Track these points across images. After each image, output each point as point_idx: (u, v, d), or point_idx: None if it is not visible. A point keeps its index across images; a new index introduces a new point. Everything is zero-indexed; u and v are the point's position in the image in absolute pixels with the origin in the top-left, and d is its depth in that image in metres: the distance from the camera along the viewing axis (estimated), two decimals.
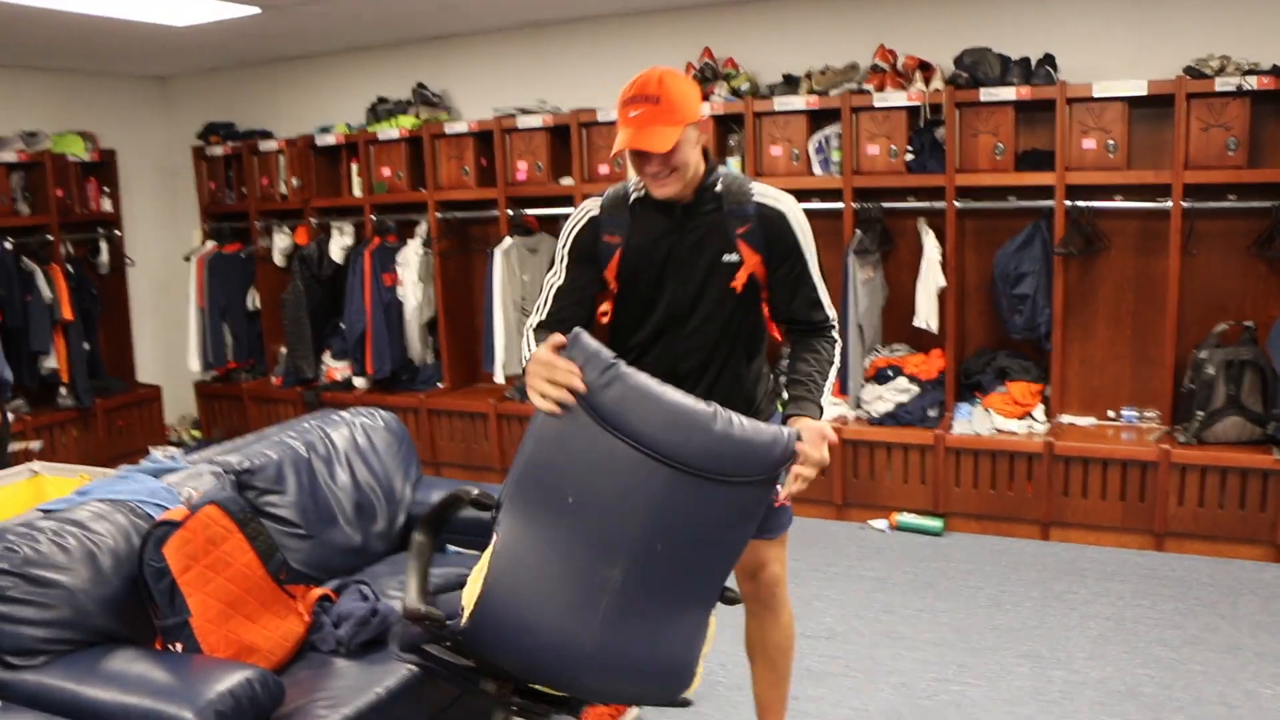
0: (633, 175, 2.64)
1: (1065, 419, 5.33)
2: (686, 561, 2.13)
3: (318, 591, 3.16)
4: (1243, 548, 4.76)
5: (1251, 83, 4.58)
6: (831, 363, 2.65)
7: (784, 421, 2.46)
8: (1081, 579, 4.60)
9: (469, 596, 2.08)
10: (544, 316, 2.64)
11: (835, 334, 2.71)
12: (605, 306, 2.74)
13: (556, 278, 2.68)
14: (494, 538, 2.12)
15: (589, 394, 2.07)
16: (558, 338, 2.15)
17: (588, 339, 2.13)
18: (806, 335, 2.70)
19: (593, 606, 2.04)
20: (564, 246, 2.69)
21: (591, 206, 2.69)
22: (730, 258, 2.62)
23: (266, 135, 7.09)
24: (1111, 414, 5.33)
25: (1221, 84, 4.63)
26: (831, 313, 2.69)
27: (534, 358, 2.14)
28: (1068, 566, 4.71)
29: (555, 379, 2.08)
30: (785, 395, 2.60)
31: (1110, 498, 4.95)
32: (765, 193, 2.62)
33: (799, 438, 2.18)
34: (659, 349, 2.70)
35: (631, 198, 2.67)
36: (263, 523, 3.17)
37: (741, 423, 2.07)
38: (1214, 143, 4.71)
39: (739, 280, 2.62)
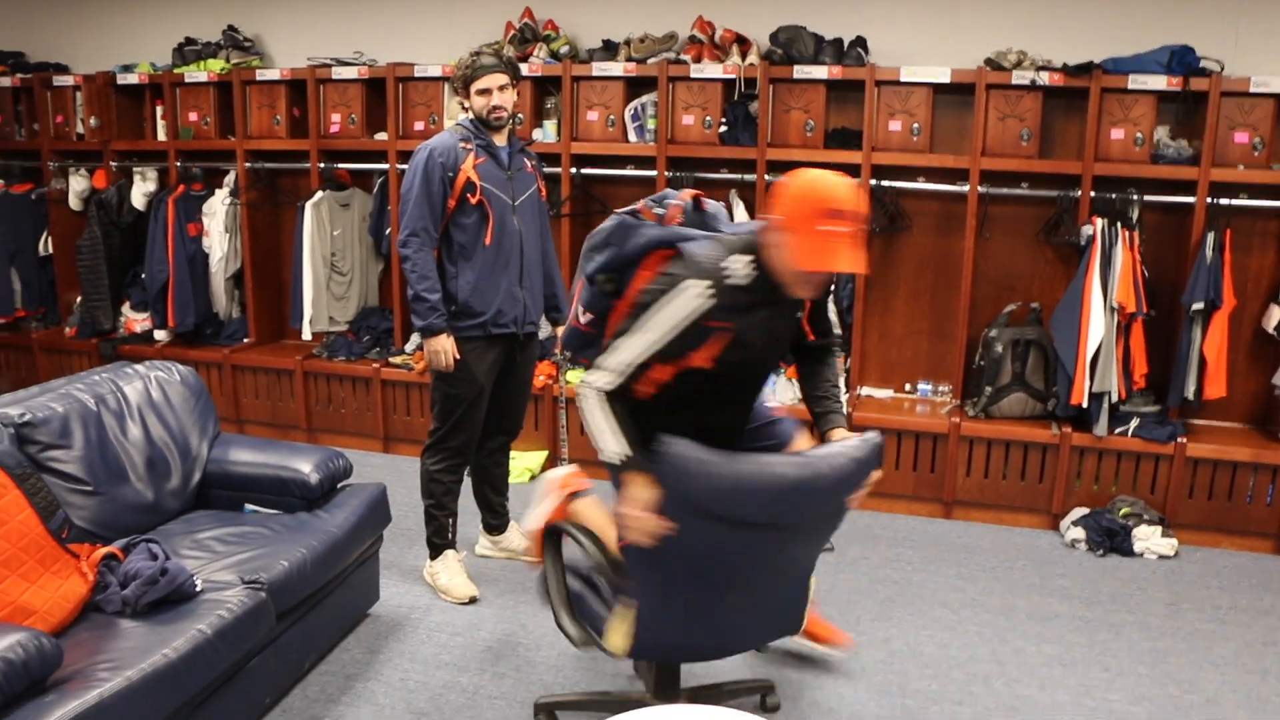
0: (712, 252, 2.62)
1: (864, 391, 5.51)
2: (802, 564, 2.80)
3: (103, 550, 3.04)
4: (1022, 516, 5.04)
5: (1044, 78, 4.80)
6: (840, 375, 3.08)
7: (824, 433, 2.92)
8: (874, 545, 4.78)
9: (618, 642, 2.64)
10: (624, 382, 2.64)
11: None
12: (663, 375, 2.72)
13: (657, 340, 2.58)
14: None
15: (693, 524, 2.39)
16: (648, 495, 2.41)
17: (678, 486, 2.36)
18: (821, 351, 3.08)
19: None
20: (682, 318, 2.55)
21: (704, 288, 2.55)
22: (799, 314, 2.88)
23: (62, 69, 6.64)
24: (908, 387, 5.53)
25: (1018, 77, 4.83)
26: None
27: (630, 514, 2.45)
28: (862, 533, 4.88)
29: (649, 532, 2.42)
30: (814, 407, 2.99)
31: (904, 468, 5.14)
32: None
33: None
34: (719, 405, 2.89)
35: (738, 283, 2.59)
36: (43, 478, 3.06)
37: (834, 456, 2.47)
38: (1009, 132, 4.92)
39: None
